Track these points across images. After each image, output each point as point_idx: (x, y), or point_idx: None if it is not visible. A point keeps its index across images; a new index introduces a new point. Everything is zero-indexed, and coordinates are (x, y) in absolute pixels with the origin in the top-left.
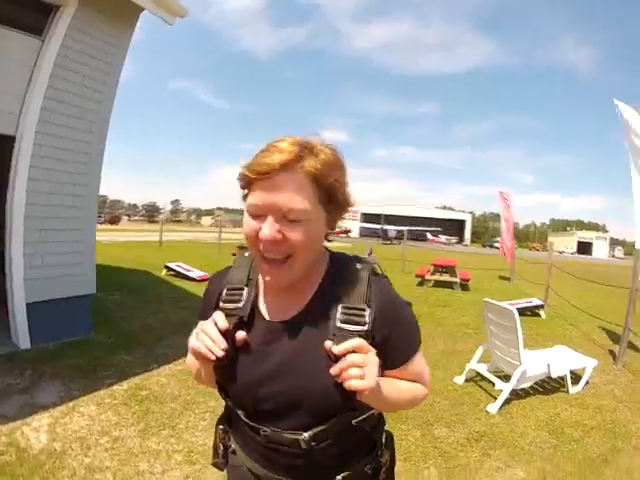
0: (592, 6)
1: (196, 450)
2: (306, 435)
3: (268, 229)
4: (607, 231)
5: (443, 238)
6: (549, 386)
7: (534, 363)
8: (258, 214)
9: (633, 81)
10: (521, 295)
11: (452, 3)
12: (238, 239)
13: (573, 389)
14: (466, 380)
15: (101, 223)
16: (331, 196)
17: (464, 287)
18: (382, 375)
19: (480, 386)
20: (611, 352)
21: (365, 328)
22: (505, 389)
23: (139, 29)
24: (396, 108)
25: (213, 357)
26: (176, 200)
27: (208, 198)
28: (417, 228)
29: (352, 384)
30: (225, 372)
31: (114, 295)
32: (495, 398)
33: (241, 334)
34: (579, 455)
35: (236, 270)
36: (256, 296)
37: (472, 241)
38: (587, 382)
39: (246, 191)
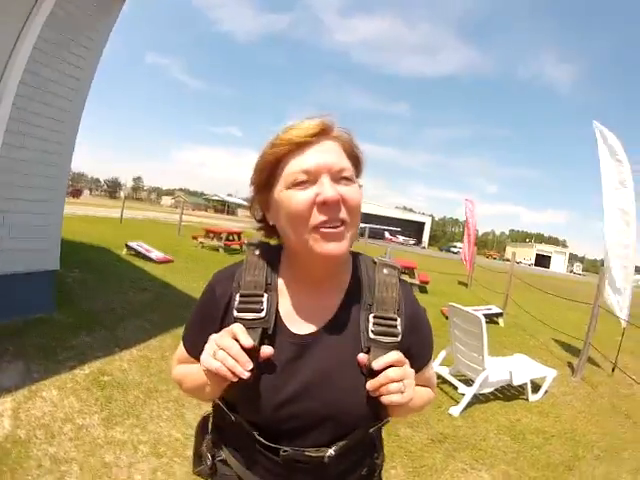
0: (577, 24)
1: (162, 441)
2: (332, 451)
3: (330, 188)
4: (567, 246)
5: (401, 238)
6: (509, 393)
7: (496, 369)
8: (308, 180)
9: (608, 103)
10: (479, 301)
11: (438, 6)
12: (198, 222)
13: (533, 397)
14: None
15: None
16: (357, 168)
17: (422, 289)
18: None
19: (442, 389)
20: (569, 364)
21: (398, 339)
22: (468, 393)
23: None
24: (370, 105)
25: (236, 379)
26: (138, 177)
27: (169, 178)
28: (377, 226)
29: (392, 399)
30: (244, 391)
31: (74, 272)
32: (457, 401)
33: (267, 350)
34: (542, 461)
35: (248, 272)
36: (277, 305)
37: (430, 244)
38: (546, 391)
39: (255, 191)
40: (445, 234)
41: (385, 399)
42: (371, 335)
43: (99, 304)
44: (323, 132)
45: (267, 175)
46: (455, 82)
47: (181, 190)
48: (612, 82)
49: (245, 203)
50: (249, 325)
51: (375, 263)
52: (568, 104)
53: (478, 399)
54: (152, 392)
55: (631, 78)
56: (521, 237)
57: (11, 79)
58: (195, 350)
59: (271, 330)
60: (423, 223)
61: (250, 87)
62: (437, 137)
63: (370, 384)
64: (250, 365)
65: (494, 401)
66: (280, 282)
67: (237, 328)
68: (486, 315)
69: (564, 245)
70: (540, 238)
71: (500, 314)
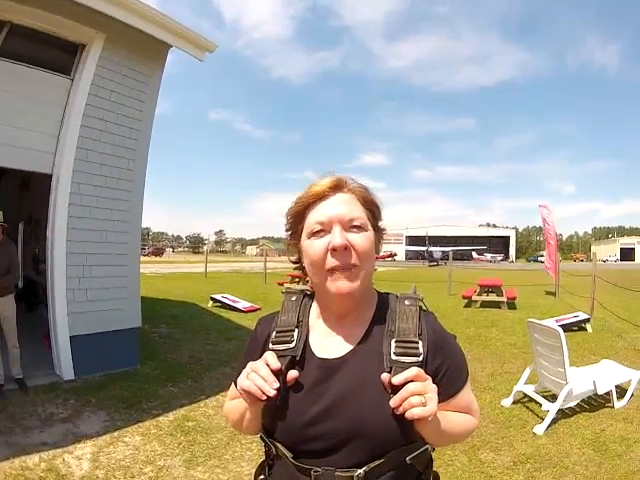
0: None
1: None
2: (361, 472)
3: (338, 236)
4: None
5: (489, 256)
6: (595, 402)
7: (580, 381)
8: (323, 229)
9: None
10: (567, 309)
11: (477, 14)
12: (284, 267)
13: (618, 403)
14: (514, 402)
15: (145, 255)
16: (374, 214)
17: (511, 306)
18: None
19: (527, 407)
20: None
21: (420, 359)
22: (552, 409)
23: (175, 63)
24: (434, 126)
25: (264, 397)
26: (220, 231)
27: (252, 228)
28: (462, 248)
29: (414, 412)
30: (276, 412)
31: (160, 328)
32: (542, 419)
33: (293, 373)
34: (621, 470)
35: (284, 314)
36: (307, 336)
37: (517, 257)
38: (632, 395)
39: (289, 237)
40: (531, 244)
41: (408, 414)
42: (393, 357)
43: (185, 356)
44: (337, 187)
45: (296, 224)
46: (511, 86)
47: (264, 238)
48: None
49: None
50: (280, 354)
51: (397, 297)
52: (624, 84)
53: (564, 413)
54: (236, 435)
55: None
56: (604, 233)
57: (65, 156)
58: None
59: (299, 357)
60: (508, 237)
61: (314, 128)
62: (506, 146)
63: (392, 400)
64: (276, 384)
65: (580, 413)
66: (311, 319)
67: (268, 354)
68: (573, 323)
69: None
70: (622, 231)
71: (587, 320)
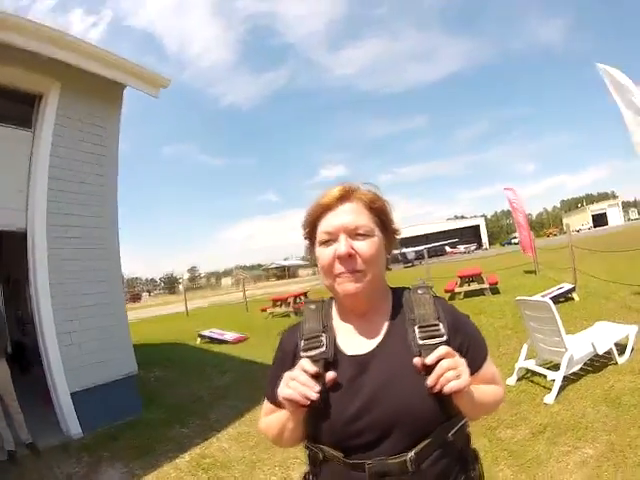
0: None
1: None
2: (412, 454)
3: (343, 245)
4: (617, 197)
5: (462, 248)
6: (598, 363)
7: (579, 345)
8: (330, 239)
9: (606, 40)
10: (551, 284)
11: (414, 11)
12: (263, 294)
13: (621, 359)
14: (518, 379)
15: None
16: (383, 220)
17: (494, 291)
18: None
19: (532, 381)
20: None
21: (444, 339)
22: (557, 378)
23: (126, 101)
24: (389, 129)
25: (307, 402)
26: (192, 267)
27: (223, 259)
28: (435, 244)
29: (452, 385)
30: (319, 415)
31: (154, 372)
32: (549, 389)
33: (331, 374)
34: None
35: (307, 323)
36: (334, 339)
37: (490, 243)
38: (632, 349)
39: (307, 243)
40: (502, 228)
41: (446, 388)
42: (419, 342)
43: (185, 396)
44: (344, 197)
45: (310, 233)
46: (459, 78)
47: (238, 267)
48: (601, 22)
49: (305, 263)
50: (313, 359)
51: (410, 289)
52: (570, 56)
53: (570, 380)
54: (256, 462)
55: (616, 13)
56: (573, 204)
57: (37, 211)
58: (276, 397)
59: (331, 359)
60: (478, 226)
61: (270, 149)
62: (463, 138)
63: (429, 379)
64: (317, 387)
65: (585, 376)
66: (334, 322)
67: (304, 361)
68: (560, 294)
69: (614, 196)
70: (591, 199)
71: (573, 289)
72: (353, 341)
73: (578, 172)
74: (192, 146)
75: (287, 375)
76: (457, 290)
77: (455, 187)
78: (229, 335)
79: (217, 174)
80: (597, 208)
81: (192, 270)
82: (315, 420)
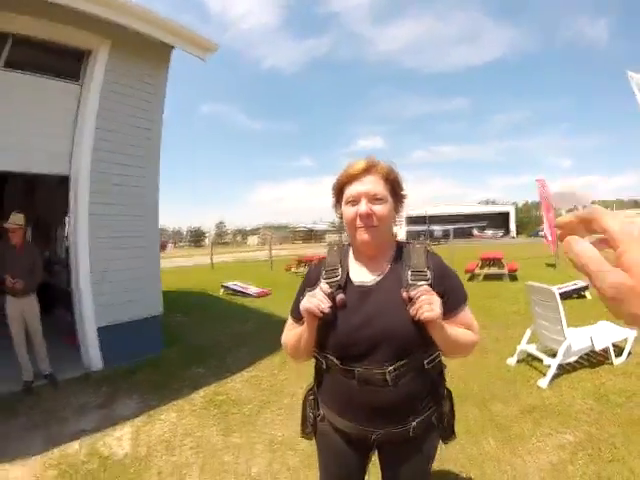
0: None
1: (276, 441)
2: (390, 368)
3: (364, 206)
4: None
5: (489, 232)
6: (594, 360)
7: (578, 338)
8: (354, 200)
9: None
10: (567, 279)
11: None
12: (288, 255)
13: (617, 360)
14: (518, 361)
15: None
16: (394, 189)
17: (512, 278)
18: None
19: (531, 365)
20: None
21: (428, 282)
22: (553, 364)
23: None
24: (429, 107)
25: (320, 314)
26: (220, 222)
27: (251, 218)
28: (463, 225)
29: (426, 314)
30: (328, 325)
31: (177, 317)
32: (545, 374)
33: (340, 295)
34: (622, 418)
35: (329, 258)
36: (347, 272)
37: (518, 232)
38: (630, 353)
39: (334, 201)
40: (531, 219)
41: (422, 316)
42: (410, 281)
43: (205, 340)
44: (367, 170)
45: (338, 194)
46: (503, 65)
47: (266, 227)
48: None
49: (331, 228)
50: (330, 284)
51: (411, 243)
52: (611, 59)
53: (565, 369)
54: (265, 403)
55: None
56: (603, 206)
57: (83, 158)
58: (298, 312)
59: (343, 284)
60: (507, 213)
61: (309, 116)
62: (502, 124)
63: (411, 308)
64: (328, 303)
65: (580, 369)
66: (350, 260)
67: (322, 283)
68: (573, 290)
69: None
70: (621, 204)
71: (586, 287)
72: (361, 275)
73: (611, 175)
74: (231, 107)
75: (309, 293)
76: (477, 272)
77: (488, 172)
78: (252, 289)
79: (254, 136)
80: (633, 213)
81: (219, 225)
82: (324, 330)
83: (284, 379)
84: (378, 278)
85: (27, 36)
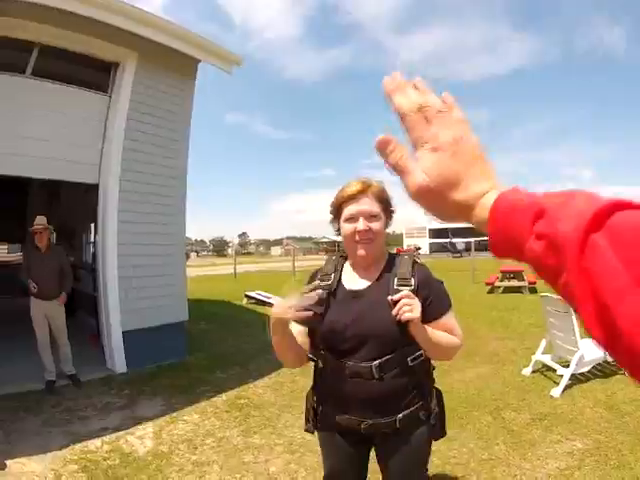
0: None
1: (295, 442)
2: (376, 363)
3: (362, 224)
4: None
5: None
6: (607, 370)
7: (591, 348)
8: (352, 218)
9: None
10: None
11: (484, 2)
12: (310, 265)
13: None
14: (533, 371)
15: None
16: (386, 206)
17: (532, 290)
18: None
19: (545, 375)
20: None
21: (412, 288)
22: (566, 374)
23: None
24: None
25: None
26: (243, 233)
27: (275, 228)
28: (484, 238)
29: (406, 315)
30: (324, 325)
31: (200, 324)
32: (559, 384)
33: (318, 291)
34: (631, 426)
35: (326, 266)
36: (340, 278)
37: None
38: None
39: (332, 217)
40: None
41: (403, 317)
42: (395, 287)
43: (228, 347)
44: (362, 190)
45: (336, 211)
46: (522, 74)
47: (288, 238)
48: None
49: None
50: (323, 288)
51: (399, 254)
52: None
53: (578, 379)
54: (286, 407)
55: None
56: None
57: (112, 167)
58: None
59: (334, 289)
60: None
61: (329, 126)
62: (522, 134)
63: (394, 310)
64: (292, 313)
65: (593, 379)
66: (345, 268)
67: (308, 286)
68: None
69: None
70: None
71: None
72: (353, 281)
73: (634, 184)
74: (253, 117)
75: (276, 302)
76: (497, 284)
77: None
78: (275, 299)
79: (275, 146)
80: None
81: (242, 236)
82: (320, 328)
83: (305, 385)
84: (368, 284)
85: (58, 47)
